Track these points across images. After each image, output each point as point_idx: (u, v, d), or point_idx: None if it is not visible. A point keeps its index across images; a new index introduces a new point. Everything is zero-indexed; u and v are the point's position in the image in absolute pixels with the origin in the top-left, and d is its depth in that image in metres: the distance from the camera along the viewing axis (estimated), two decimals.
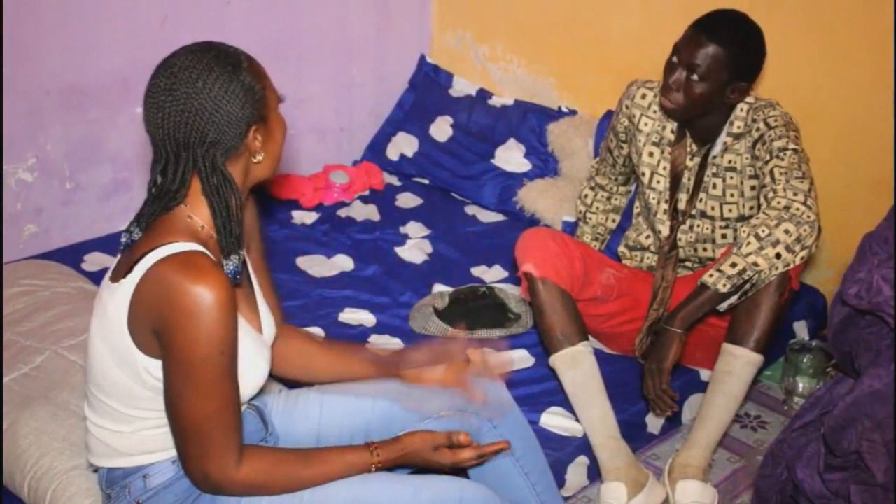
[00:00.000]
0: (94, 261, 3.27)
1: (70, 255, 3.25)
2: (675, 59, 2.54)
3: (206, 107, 1.65)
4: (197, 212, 1.72)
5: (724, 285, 2.41)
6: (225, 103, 1.65)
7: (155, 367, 1.68)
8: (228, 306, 1.61)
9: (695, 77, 2.51)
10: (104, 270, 3.15)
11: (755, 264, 2.39)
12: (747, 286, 2.43)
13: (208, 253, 1.67)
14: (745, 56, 2.54)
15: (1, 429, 2.25)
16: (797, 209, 2.41)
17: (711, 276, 2.43)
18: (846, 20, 3.06)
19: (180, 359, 1.61)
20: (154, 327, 1.62)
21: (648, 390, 2.51)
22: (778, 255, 2.39)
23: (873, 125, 3.08)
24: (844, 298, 1.93)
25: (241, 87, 1.67)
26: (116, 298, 1.67)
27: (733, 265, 2.41)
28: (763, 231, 2.40)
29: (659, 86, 2.78)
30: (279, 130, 1.79)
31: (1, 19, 2.98)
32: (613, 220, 3.10)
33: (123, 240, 1.74)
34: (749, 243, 2.41)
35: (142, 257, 1.65)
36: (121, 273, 1.68)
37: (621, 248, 2.99)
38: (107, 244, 3.37)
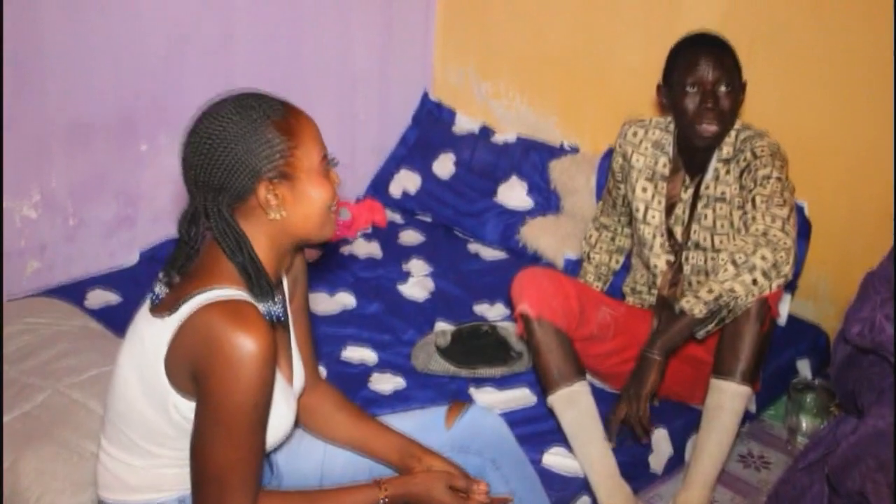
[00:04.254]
0: (96, 297, 3.26)
1: (73, 292, 3.25)
2: (692, 88, 2.56)
3: (215, 151, 1.64)
4: None
5: (701, 311, 2.42)
6: (234, 151, 1.64)
7: (186, 406, 1.67)
8: (269, 359, 1.60)
9: (724, 89, 2.55)
10: (107, 307, 3.17)
11: (732, 290, 2.40)
12: (724, 312, 2.43)
13: (254, 302, 1.67)
14: (737, 57, 2.62)
15: (1, 468, 2.25)
16: (774, 235, 2.42)
17: (688, 301, 2.44)
18: (850, 59, 3.08)
19: (214, 405, 1.60)
20: (192, 370, 1.62)
21: (628, 417, 2.51)
22: (754, 281, 2.40)
23: (876, 163, 3.09)
24: (847, 337, 1.93)
25: (258, 140, 1.65)
26: (156, 333, 1.66)
27: (710, 291, 2.42)
28: (740, 257, 2.42)
29: (650, 122, 2.81)
30: (317, 191, 1.74)
31: (2, 55, 3.00)
32: (617, 261, 3.10)
33: (157, 290, 1.72)
34: (726, 269, 2.42)
35: (188, 298, 1.65)
36: (164, 308, 1.68)
37: (625, 288, 2.99)
38: (110, 281, 3.38)
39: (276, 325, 1.72)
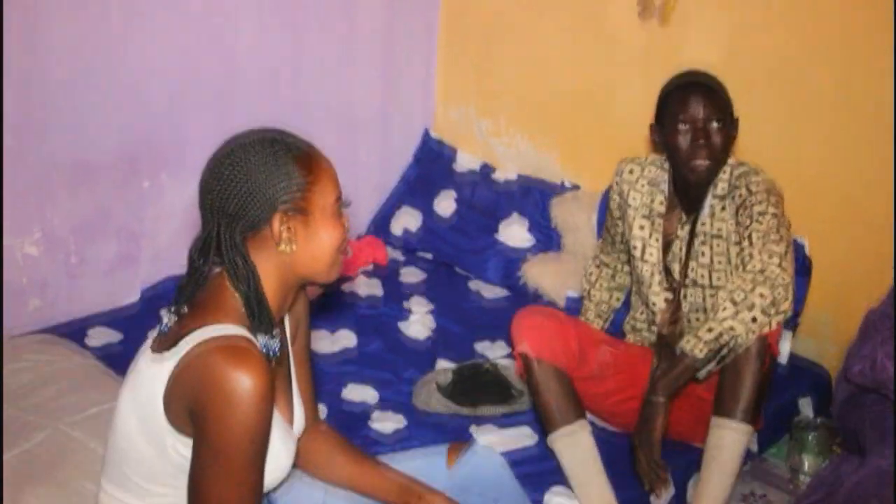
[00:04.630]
0: (97, 336, 3.26)
1: (74, 330, 3.24)
2: (683, 126, 2.58)
3: (236, 177, 1.65)
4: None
5: (701, 350, 2.41)
6: (253, 179, 1.65)
7: (184, 445, 1.66)
8: (266, 396, 1.59)
9: (715, 125, 2.56)
10: (108, 346, 3.16)
11: (731, 329, 2.40)
12: (724, 351, 2.43)
13: (252, 338, 1.67)
14: (727, 94, 2.63)
15: None
16: (772, 272, 2.42)
17: (688, 342, 2.43)
18: (848, 97, 3.10)
19: (211, 442, 1.59)
20: (190, 407, 1.61)
21: (641, 464, 2.50)
22: (754, 319, 2.40)
23: (874, 200, 3.10)
24: (849, 376, 1.93)
25: (278, 171, 1.67)
26: (155, 370, 1.66)
27: (710, 330, 2.41)
28: (739, 296, 2.41)
29: (646, 160, 2.82)
30: (328, 233, 1.74)
31: (1, 93, 3.01)
32: (618, 299, 3.10)
33: (166, 320, 1.72)
34: (725, 308, 2.41)
35: (187, 334, 1.64)
36: (164, 345, 1.67)
37: (626, 326, 2.99)
38: (111, 319, 3.37)
39: (275, 364, 1.72)
